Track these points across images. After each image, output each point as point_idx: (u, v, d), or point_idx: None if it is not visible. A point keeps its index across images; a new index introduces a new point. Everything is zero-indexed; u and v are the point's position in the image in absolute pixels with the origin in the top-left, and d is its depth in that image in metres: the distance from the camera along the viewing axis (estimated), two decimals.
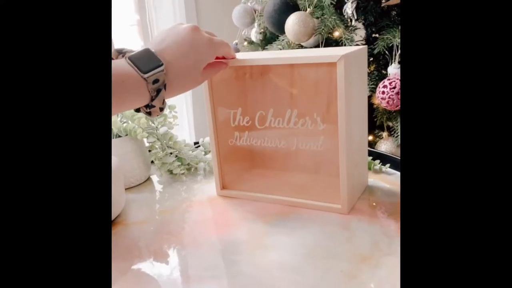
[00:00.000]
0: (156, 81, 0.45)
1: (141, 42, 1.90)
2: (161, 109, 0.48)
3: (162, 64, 0.46)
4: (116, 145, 0.72)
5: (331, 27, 1.10)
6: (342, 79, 0.53)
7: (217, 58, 0.57)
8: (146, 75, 0.44)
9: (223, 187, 0.69)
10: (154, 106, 0.47)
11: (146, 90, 0.45)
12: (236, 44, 1.50)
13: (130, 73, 0.44)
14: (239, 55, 0.63)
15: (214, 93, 0.65)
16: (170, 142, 0.78)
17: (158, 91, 0.46)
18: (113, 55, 0.49)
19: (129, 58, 0.45)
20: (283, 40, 1.21)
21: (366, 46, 0.64)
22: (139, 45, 1.88)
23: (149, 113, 0.48)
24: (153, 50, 0.47)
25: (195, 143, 0.88)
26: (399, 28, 1.05)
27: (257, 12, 1.40)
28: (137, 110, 0.49)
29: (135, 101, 0.46)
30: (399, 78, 1.02)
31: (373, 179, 0.70)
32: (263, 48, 1.39)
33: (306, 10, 1.14)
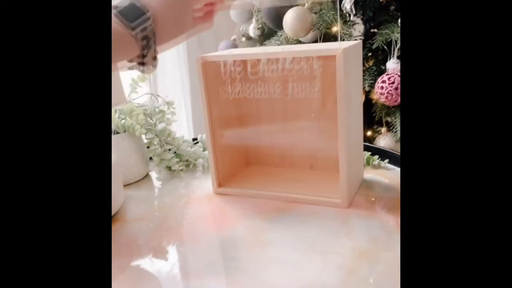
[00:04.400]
0: (144, 35, 0.45)
1: None
2: (154, 64, 0.47)
3: (149, 18, 0.45)
4: (114, 141, 0.72)
5: (329, 22, 1.10)
6: (341, 73, 0.53)
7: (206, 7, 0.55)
8: (134, 32, 0.44)
9: (220, 185, 0.69)
10: (146, 61, 0.47)
11: (135, 46, 0.45)
12: (234, 40, 1.50)
13: (117, 30, 0.43)
14: (236, 51, 0.63)
15: (209, 91, 0.64)
16: (168, 139, 0.78)
17: (148, 44, 0.46)
18: None
19: (115, 15, 0.44)
20: (281, 35, 1.20)
21: (361, 41, 0.64)
22: None
23: (143, 70, 0.48)
24: (138, 5, 0.46)
25: (193, 139, 0.87)
26: (398, 23, 1.05)
27: (255, 7, 1.39)
28: (131, 68, 0.48)
29: (126, 55, 0.45)
30: (398, 73, 1.02)
31: (372, 174, 0.70)
32: (262, 44, 1.39)
33: (304, 5, 1.13)
